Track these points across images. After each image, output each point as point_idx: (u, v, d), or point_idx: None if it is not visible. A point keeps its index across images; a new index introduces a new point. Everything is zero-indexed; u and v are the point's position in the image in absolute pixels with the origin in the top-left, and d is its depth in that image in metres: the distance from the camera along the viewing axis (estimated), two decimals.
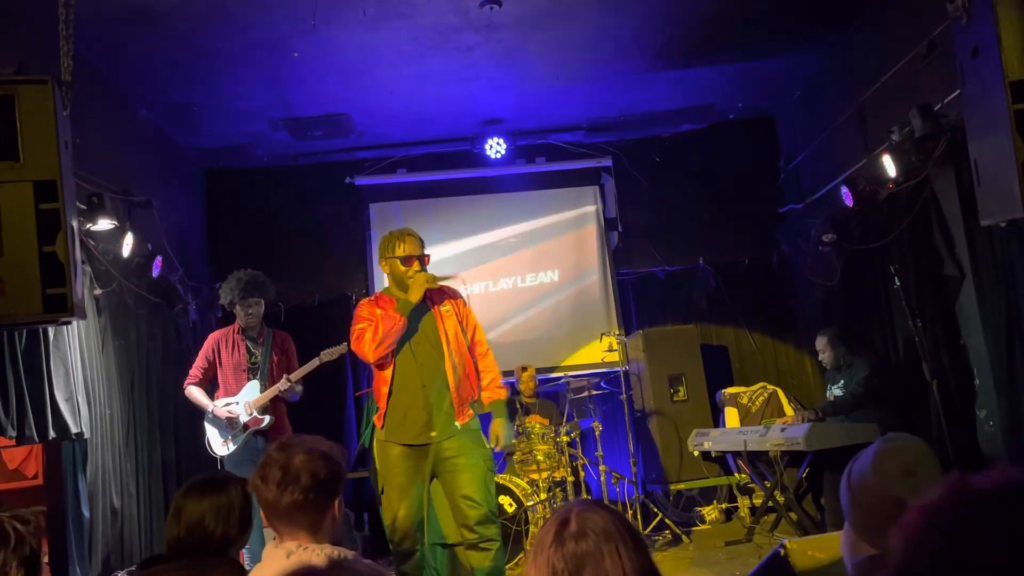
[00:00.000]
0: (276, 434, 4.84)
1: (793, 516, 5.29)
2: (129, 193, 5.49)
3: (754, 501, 6.10)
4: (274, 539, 2.00)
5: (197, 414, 5.08)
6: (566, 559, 1.29)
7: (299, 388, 4.96)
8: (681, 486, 6.40)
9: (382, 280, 7.60)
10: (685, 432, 6.16)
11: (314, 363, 4.95)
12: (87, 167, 4.61)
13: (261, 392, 4.88)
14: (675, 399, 6.63)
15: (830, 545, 2.75)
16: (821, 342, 5.70)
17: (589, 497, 4.96)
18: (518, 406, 6.41)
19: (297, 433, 2.10)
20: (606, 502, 5.61)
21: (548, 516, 1.42)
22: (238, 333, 5.00)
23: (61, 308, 2.89)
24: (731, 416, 6.54)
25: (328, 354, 5.00)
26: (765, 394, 6.52)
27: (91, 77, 5.15)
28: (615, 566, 1.28)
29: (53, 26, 3.17)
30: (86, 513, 4.60)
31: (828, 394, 5.68)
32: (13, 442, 4.14)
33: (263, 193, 7.59)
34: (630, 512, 5.81)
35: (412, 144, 7.48)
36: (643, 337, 6.83)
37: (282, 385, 4.84)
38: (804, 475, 5.34)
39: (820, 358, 5.81)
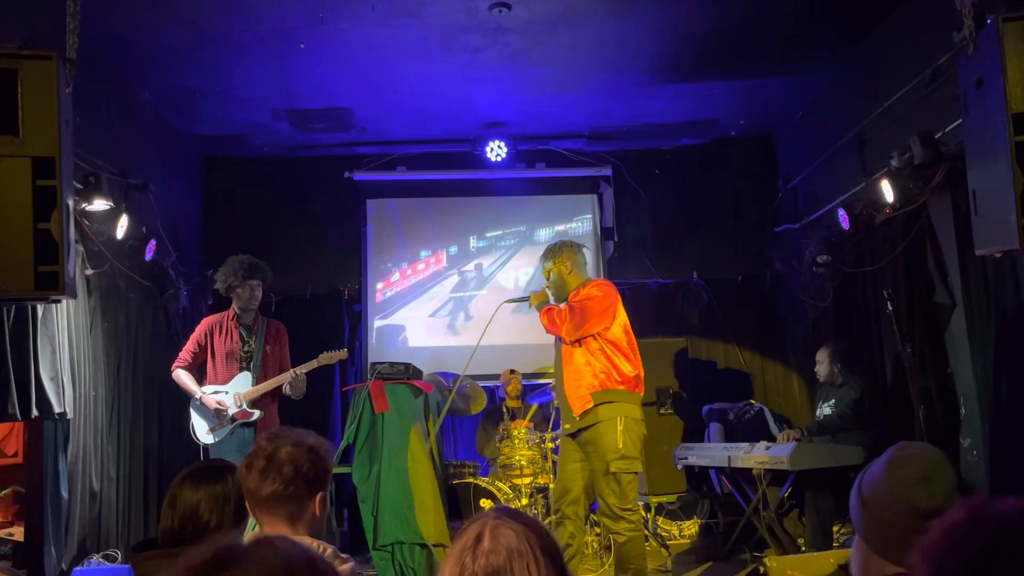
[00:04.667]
0: (265, 428, 4.81)
1: (774, 534, 5.29)
2: (126, 175, 5.47)
3: (735, 518, 6.10)
4: (253, 530, 2.00)
5: (183, 400, 5.05)
6: (476, 574, 1.30)
7: (303, 383, 4.93)
8: (663, 499, 6.39)
9: (376, 276, 7.62)
10: (669, 445, 6.16)
11: (312, 364, 4.93)
12: (85, 146, 4.58)
13: (253, 384, 4.84)
14: (661, 412, 6.62)
15: (810, 565, 2.76)
16: (823, 354, 5.68)
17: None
18: (504, 410, 6.41)
19: (287, 425, 2.10)
20: (582, 511, 5.62)
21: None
22: (232, 320, 4.96)
23: (52, 286, 2.88)
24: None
25: (327, 357, 4.98)
26: (751, 411, 6.53)
27: (95, 56, 5.12)
28: None
29: (60, 2, 3.16)
30: (64, 494, 4.56)
31: (817, 412, 5.68)
32: None
33: (260, 183, 7.57)
34: None
35: (413, 142, 7.47)
36: None
37: (286, 378, 4.81)
38: (787, 494, 5.34)
39: (816, 369, 5.77)
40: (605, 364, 4.14)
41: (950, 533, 0.68)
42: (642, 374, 4.29)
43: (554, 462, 5.87)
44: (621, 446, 4.02)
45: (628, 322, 4.39)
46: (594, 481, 4.16)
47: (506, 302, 4.80)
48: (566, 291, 4.40)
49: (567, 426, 4.28)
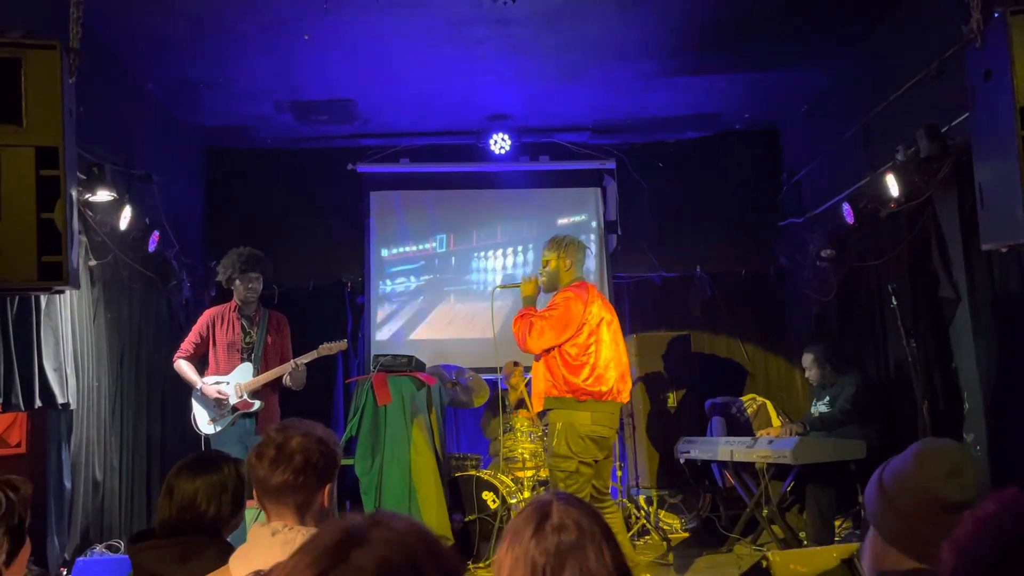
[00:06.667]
0: (266, 419, 4.81)
1: (776, 529, 5.30)
2: (130, 166, 5.46)
3: (738, 511, 6.10)
4: (256, 520, 2.00)
5: (185, 391, 5.06)
6: (548, 553, 1.23)
7: (303, 374, 4.92)
8: (665, 493, 6.39)
9: (380, 268, 7.62)
10: (672, 439, 6.16)
11: (312, 355, 4.93)
12: (89, 137, 4.57)
13: (254, 375, 4.85)
14: (664, 405, 6.62)
15: (812, 560, 2.75)
16: (807, 359, 5.71)
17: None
18: (506, 403, 6.41)
19: (295, 417, 2.10)
20: None
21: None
22: (234, 311, 4.97)
23: (56, 276, 2.87)
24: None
25: (327, 348, 4.98)
26: (754, 406, 6.53)
27: (98, 47, 5.11)
28: (599, 562, 1.24)
29: None
30: (68, 484, 4.58)
31: (813, 410, 5.69)
32: None
33: (263, 175, 7.56)
34: None
35: (416, 134, 7.45)
36: (636, 342, 6.82)
37: (287, 368, 4.81)
38: (789, 488, 5.34)
39: (806, 375, 5.82)
40: (558, 373, 4.25)
41: (983, 524, 0.68)
42: (607, 382, 4.26)
43: None
44: (554, 445, 4.22)
45: (604, 323, 4.35)
46: None
47: (499, 287, 4.96)
48: (558, 285, 4.45)
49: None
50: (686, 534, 6.19)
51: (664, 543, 5.72)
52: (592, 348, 4.25)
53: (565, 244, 4.49)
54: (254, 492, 1.99)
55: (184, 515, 2.07)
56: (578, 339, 4.23)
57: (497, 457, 6.00)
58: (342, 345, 5.04)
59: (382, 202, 7.69)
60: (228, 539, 2.24)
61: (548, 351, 4.26)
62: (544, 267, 4.52)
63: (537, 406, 4.40)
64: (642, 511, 6.21)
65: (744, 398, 6.65)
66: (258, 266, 4.98)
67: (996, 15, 3.05)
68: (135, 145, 5.79)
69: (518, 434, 5.84)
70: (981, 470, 1.68)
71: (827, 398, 5.55)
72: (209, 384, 4.81)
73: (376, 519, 0.90)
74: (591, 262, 7.62)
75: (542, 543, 1.24)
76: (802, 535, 5.24)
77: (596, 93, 6.70)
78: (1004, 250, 3.28)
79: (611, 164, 7.68)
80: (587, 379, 4.21)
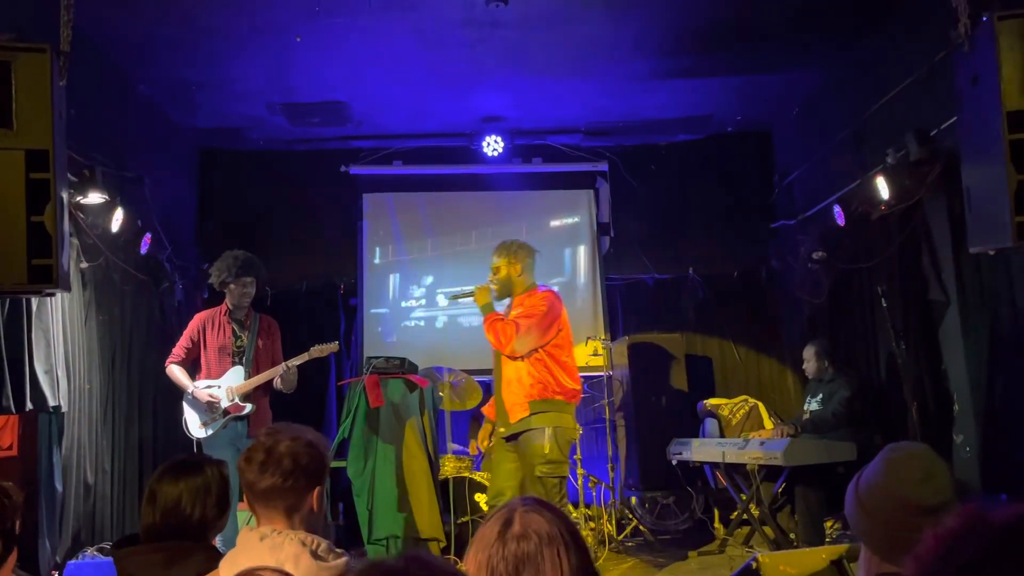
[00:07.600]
0: (258, 422, 4.81)
1: (767, 530, 5.31)
2: (122, 168, 5.45)
3: (729, 513, 6.12)
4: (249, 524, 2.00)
5: (176, 394, 5.05)
6: (506, 559, 1.28)
7: (294, 377, 4.91)
8: (657, 494, 6.41)
9: (373, 270, 7.62)
10: (665, 440, 6.17)
11: (303, 357, 4.92)
12: (81, 139, 4.57)
13: (245, 378, 4.84)
14: (656, 407, 6.63)
15: (802, 561, 2.76)
16: (808, 351, 5.72)
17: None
18: None
19: (281, 421, 2.10)
20: (582, 506, 5.63)
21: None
22: (225, 315, 4.96)
23: (46, 279, 2.87)
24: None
25: (318, 350, 4.96)
26: (746, 407, 6.54)
27: (90, 49, 5.10)
28: (555, 569, 1.28)
29: None
30: (59, 487, 4.57)
31: (805, 407, 5.70)
32: None
33: (256, 177, 7.55)
34: (605, 516, 5.81)
35: (409, 136, 7.46)
36: (629, 343, 6.84)
37: (278, 371, 4.80)
38: (780, 490, 5.36)
39: (804, 367, 5.81)
40: (545, 375, 4.18)
41: (943, 540, 0.68)
42: (580, 387, 4.33)
43: None
44: (548, 451, 4.09)
45: (570, 330, 4.40)
46: (525, 483, 4.21)
47: (450, 298, 4.83)
48: (511, 292, 4.40)
49: (502, 430, 4.35)
50: (679, 535, 6.20)
51: (657, 543, 5.73)
52: (571, 351, 4.31)
53: (514, 249, 4.41)
54: (244, 496, 1.99)
55: (168, 519, 2.06)
56: (558, 340, 4.24)
57: (488, 459, 6.00)
58: (333, 347, 5.04)
59: (375, 204, 7.69)
60: (221, 542, 2.24)
61: (531, 353, 4.20)
62: (495, 274, 4.42)
63: (519, 413, 4.20)
64: (634, 512, 6.22)
65: (736, 400, 6.66)
66: (252, 270, 4.97)
67: (983, 20, 3.08)
68: (127, 147, 5.79)
69: None
70: (947, 469, 1.69)
71: (820, 396, 5.56)
72: (200, 388, 4.80)
73: (413, 560, 0.89)
74: (582, 264, 7.66)
75: (502, 550, 1.29)
76: (793, 536, 5.26)
77: (589, 95, 6.72)
78: (992, 253, 3.30)
79: (604, 166, 7.70)
80: (575, 380, 4.24)
